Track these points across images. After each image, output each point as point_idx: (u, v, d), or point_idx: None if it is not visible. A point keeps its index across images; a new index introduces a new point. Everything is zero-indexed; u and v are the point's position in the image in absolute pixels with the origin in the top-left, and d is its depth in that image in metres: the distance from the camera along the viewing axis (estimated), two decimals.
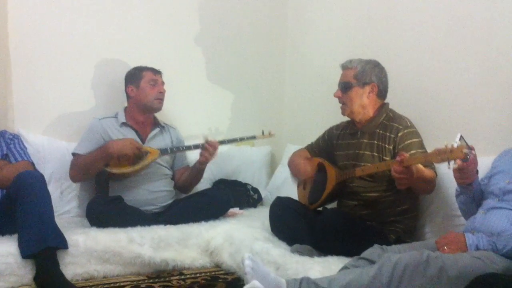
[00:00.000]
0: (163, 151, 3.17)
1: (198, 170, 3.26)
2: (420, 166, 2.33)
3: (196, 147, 3.23)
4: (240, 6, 3.99)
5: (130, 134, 3.20)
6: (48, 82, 3.32)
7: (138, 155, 3.05)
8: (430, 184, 2.48)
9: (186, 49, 3.78)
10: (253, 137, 3.45)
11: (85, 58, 3.42)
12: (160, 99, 3.23)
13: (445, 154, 2.03)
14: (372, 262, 2.03)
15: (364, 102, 2.70)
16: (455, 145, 2.00)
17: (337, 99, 2.79)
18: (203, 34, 3.84)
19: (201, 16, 3.82)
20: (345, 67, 2.77)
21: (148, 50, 3.58)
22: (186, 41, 3.79)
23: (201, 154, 3.18)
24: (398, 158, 2.29)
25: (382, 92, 2.73)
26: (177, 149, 3.26)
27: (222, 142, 3.27)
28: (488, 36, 2.61)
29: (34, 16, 3.25)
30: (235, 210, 3.40)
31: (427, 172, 2.41)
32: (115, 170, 3.03)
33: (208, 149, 3.14)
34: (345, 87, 2.72)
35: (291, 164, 3.09)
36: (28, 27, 3.23)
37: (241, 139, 3.39)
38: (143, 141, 3.21)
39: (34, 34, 3.26)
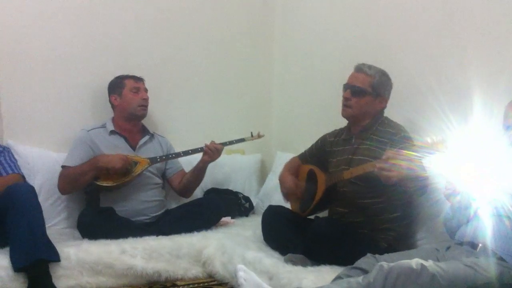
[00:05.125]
0: (153, 160, 3.16)
1: (200, 169, 3.25)
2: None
3: (185, 153, 3.24)
4: (226, 8, 3.98)
5: (120, 142, 3.20)
6: (36, 93, 3.30)
7: (127, 168, 3.04)
8: (423, 183, 2.45)
9: (171, 55, 3.77)
10: (242, 140, 3.42)
11: (74, 68, 3.40)
12: (144, 105, 3.25)
13: (426, 149, 2.08)
14: (365, 271, 2.03)
15: (370, 111, 2.73)
16: (435, 139, 2.04)
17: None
18: (188, 38, 3.83)
19: (186, 20, 3.81)
20: (361, 70, 2.73)
21: (135, 58, 3.57)
22: (171, 47, 3.77)
23: (204, 153, 3.19)
24: (384, 156, 2.29)
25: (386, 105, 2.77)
26: (166, 157, 3.25)
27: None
28: (484, 39, 2.63)
29: (21, 27, 3.23)
30: (227, 219, 3.40)
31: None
32: (105, 183, 3.02)
33: (207, 152, 3.17)
34: (357, 92, 2.70)
35: (280, 181, 3.05)
36: (15, 37, 3.21)
37: (230, 143, 3.36)
38: (133, 148, 3.22)
39: (21, 45, 3.24)
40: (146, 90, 3.30)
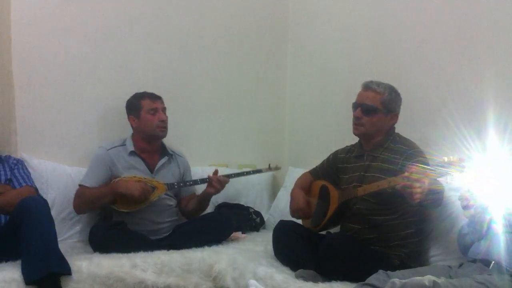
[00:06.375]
0: (170, 186, 3.16)
1: (204, 199, 3.26)
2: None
3: (203, 181, 3.23)
4: (239, 26, 4.01)
5: (138, 164, 3.17)
6: (51, 107, 3.33)
7: (145, 193, 3.03)
8: (440, 196, 2.43)
9: (185, 72, 3.80)
10: (259, 171, 3.46)
11: (89, 83, 3.43)
12: (163, 126, 3.21)
13: (443, 168, 2.07)
14: None
15: (382, 128, 2.72)
16: (452, 158, 2.03)
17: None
18: (202, 57, 3.86)
19: (200, 38, 3.84)
20: (370, 88, 2.72)
21: (149, 75, 3.60)
22: (185, 65, 3.80)
23: (208, 185, 3.18)
24: (407, 171, 2.25)
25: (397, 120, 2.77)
26: (184, 184, 3.25)
27: (229, 176, 3.26)
28: (498, 52, 2.63)
29: (37, 41, 3.27)
30: (238, 234, 3.39)
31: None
32: (121, 209, 3.02)
33: (214, 185, 3.16)
34: (369, 110, 2.69)
35: (292, 197, 3.04)
36: (31, 51, 3.25)
37: (247, 173, 3.39)
38: (151, 170, 3.19)
39: (37, 59, 3.28)
40: (164, 109, 3.25)
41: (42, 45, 3.29)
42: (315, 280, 2.44)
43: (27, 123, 3.25)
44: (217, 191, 3.21)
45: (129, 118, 3.24)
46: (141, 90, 3.28)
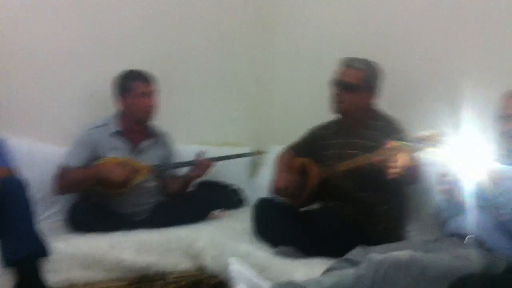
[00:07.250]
0: (154, 169, 3.11)
1: (187, 183, 3.24)
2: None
3: (187, 164, 3.20)
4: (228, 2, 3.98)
5: (122, 145, 3.10)
6: (28, 83, 3.24)
7: (129, 178, 2.98)
8: (418, 172, 2.46)
9: (173, 48, 3.75)
10: (242, 155, 3.51)
11: (68, 59, 3.34)
12: (151, 112, 3.12)
13: (420, 144, 2.11)
14: (356, 263, 2.03)
15: (362, 105, 2.71)
16: (429, 133, 2.05)
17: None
18: (189, 31, 3.81)
19: (188, 13, 3.80)
20: (350, 65, 2.71)
21: (132, 51, 3.54)
22: (173, 41, 3.75)
23: (193, 169, 3.15)
24: (388, 145, 2.27)
25: (378, 97, 2.75)
26: (168, 166, 3.20)
27: (211, 160, 3.23)
28: (476, 30, 2.66)
29: (14, 14, 3.18)
30: (218, 212, 3.39)
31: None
32: (104, 191, 2.96)
33: (198, 170, 3.15)
34: (349, 88, 2.67)
35: (277, 181, 2.98)
36: (7, 25, 3.16)
37: (230, 157, 3.41)
38: (135, 152, 3.13)
39: (14, 33, 3.18)
40: (156, 93, 3.11)
41: (19, 18, 3.19)
42: (294, 257, 2.45)
43: (3, 101, 3.16)
44: (201, 176, 3.19)
45: (116, 98, 3.13)
46: (122, 67, 3.15)
